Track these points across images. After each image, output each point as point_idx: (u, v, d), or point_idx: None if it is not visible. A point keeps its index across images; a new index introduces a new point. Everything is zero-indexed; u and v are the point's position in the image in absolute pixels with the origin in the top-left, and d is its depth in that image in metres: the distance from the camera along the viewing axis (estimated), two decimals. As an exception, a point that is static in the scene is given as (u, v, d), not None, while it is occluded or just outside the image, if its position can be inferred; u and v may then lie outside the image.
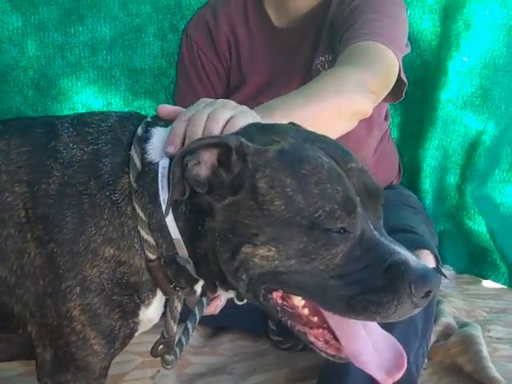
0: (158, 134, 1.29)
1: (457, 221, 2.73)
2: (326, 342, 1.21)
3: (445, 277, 1.97)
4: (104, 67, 2.51)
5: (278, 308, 1.21)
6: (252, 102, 2.12)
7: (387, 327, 1.23)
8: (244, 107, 1.31)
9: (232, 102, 1.32)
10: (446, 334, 2.20)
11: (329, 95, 1.55)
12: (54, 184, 1.27)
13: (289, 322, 1.22)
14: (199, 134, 1.23)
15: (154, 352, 1.44)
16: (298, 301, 1.20)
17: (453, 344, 2.14)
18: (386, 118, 2.36)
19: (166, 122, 1.32)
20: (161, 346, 1.44)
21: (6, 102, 2.46)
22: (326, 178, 1.13)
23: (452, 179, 2.72)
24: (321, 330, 1.21)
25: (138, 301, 1.30)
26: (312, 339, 1.21)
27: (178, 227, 1.24)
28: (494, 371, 1.99)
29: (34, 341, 1.33)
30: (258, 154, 1.16)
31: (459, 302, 2.51)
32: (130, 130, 1.32)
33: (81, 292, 1.26)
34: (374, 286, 1.11)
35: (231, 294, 1.29)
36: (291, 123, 1.31)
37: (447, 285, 2.58)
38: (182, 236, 1.24)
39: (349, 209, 1.12)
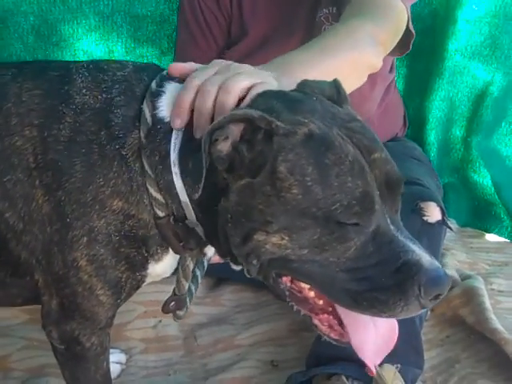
0: (171, 90, 1.24)
1: (461, 174, 2.70)
2: (330, 326, 1.20)
3: (451, 229, 1.95)
4: (105, 13, 2.43)
5: (287, 292, 1.20)
6: (254, 54, 2.09)
7: None
8: (263, 74, 1.25)
9: (248, 68, 1.25)
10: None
11: (344, 50, 1.50)
12: (65, 130, 1.24)
13: (295, 307, 1.21)
14: (209, 107, 1.17)
15: (165, 309, 1.43)
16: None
17: (455, 296, 2.15)
18: (391, 71, 2.32)
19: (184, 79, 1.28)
20: (172, 303, 1.43)
21: (6, 50, 2.39)
22: (348, 170, 1.09)
23: (458, 131, 2.68)
24: (326, 316, 1.20)
25: (146, 254, 1.29)
26: (316, 322, 1.20)
27: (186, 193, 1.21)
28: (496, 323, 2.00)
29: (41, 288, 1.32)
30: (286, 136, 1.11)
31: (462, 255, 2.51)
32: (145, 82, 1.28)
33: (87, 242, 1.24)
34: (383, 284, 1.08)
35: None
36: (317, 98, 1.22)
37: (450, 238, 2.57)
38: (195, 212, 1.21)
39: (366, 206, 1.08)
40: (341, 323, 1.18)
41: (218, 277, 2.29)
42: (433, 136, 2.66)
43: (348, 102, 1.28)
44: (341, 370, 1.66)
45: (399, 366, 1.68)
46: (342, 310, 1.17)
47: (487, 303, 2.07)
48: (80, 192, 1.22)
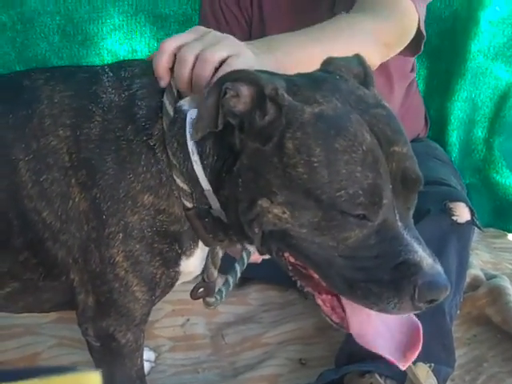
0: None
1: (483, 174, 2.69)
2: (333, 308, 1.19)
3: (480, 229, 1.96)
4: (129, 13, 2.46)
5: (290, 267, 1.19)
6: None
7: None
8: (241, 47, 1.25)
9: (230, 38, 1.26)
10: (474, 285, 2.21)
11: (338, 40, 1.47)
12: (96, 129, 1.26)
13: (298, 282, 1.20)
14: (185, 76, 1.20)
15: (193, 294, 1.44)
16: None
17: (481, 295, 2.15)
18: (412, 70, 2.32)
19: None
20: (201, 289, 1.44)
21: (32, 50, 2.41)
22: (359, 159, 1.06)
23: (480, 132, 2.68)
24: (329, 297, 1.18)
25: (179, 251, 1.29)
26: (319, 302, 1.20)
27: (206, 178, 1.22)
28: (523, 321, 2.00)
29: (76, 288, 1.33)
30: (293, 111, 1.11)
31: (485, 255, 2.51)
32: None
33: (123, 239, 1.25)
34: (379, 277, 1.07)
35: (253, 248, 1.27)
36: (342, 77, 1.21)
37: (473, 238, 2.57)
38: (211, 186, 1.22)
39: (373, 199, 1.06)
40: (343, 307, 1.17)
41: (244, 276, 2.29)
42: (454, 137, 2.65)
43: (374, 84, 1.26)
44: (374, 367, 1.65)
45: (432, 365, 1.68)
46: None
47: (514, 302, 2.07)
48: (113, 188, 1.23)
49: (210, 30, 1.28)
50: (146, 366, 1.89)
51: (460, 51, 2.60)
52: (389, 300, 1.07)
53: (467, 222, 1.87)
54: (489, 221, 2.71)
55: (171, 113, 1.24)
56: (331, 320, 1.20)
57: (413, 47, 1.79)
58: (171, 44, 1.23)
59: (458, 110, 2.64)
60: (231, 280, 1.50)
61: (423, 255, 1.07)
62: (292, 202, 1.09)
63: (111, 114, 1.26)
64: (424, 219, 1.78)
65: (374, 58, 1.55)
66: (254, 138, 1.13)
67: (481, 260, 2.43)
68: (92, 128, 1.26)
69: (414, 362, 1.22)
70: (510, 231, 2.73)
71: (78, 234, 1.27)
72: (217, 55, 1.20)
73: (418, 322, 1.18)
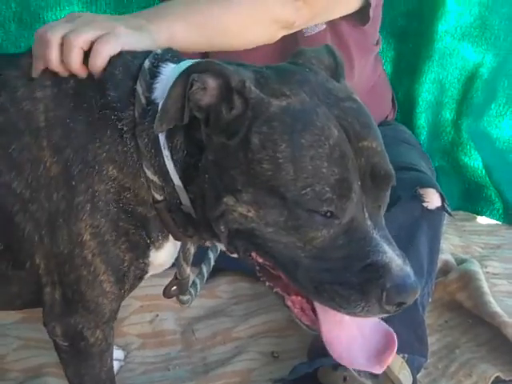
0: (168, 71, 1.22)
1: (452, 157, 2.69)
2: (303, 310, 1.16)
3: (450, 215, 1.95)
4: (89, -3, 2.38)
5: (258, 267, 1.17)
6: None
7: None
8: (112, 25, 1.26)
9: (100, 18, 1.28)
10: (445, 270, 2.20)
11: (237, 2, 1.46)
12: (73, 84, 1.24)
13: (267, 283, 1.18)
14: (53, 59, 1.21)
15: (166, 293, 1.42)
16: None
17: (452, 280, 2.15)
18: (377, 43, 2.25)
19: (178, 56, 1.26)
20: (174, 288, 1.42)
21: (-13, 38, 2.33)
22: (325, 154, 1.04)
23: (448, 114, 2.67)
24: (299, 298, 1.16)
25: (147, 240, 1.26)
26: (289, 303, 1.17)
27: (177, 173, 1.19)
28: (495, 306, 2.00)
29: (43, 277, 1.28)
30: (259, 104, 1.08)
31: (455, 238, 2.51)
32: (140, 60, 1.26)
33: (91, 210, 1.21)
34: (346, 279, 1.05)
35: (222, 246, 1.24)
36: (312, 70, 1.19)
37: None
38: (181, 181, 1.19)
39: (341, 193, 1.04)
40: (314, 309, 1.15)
41: (214, 267, 2.25)
42: (423, 119, 2.64)
43: (344, 75, 1.23)
44: (347, 361, 1.63)
45: (406, 355, 1.67)
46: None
47: (485, 287, 2.07)
48: (84, 150, 1.20)
49: (84, 13, 1.30)
50: (116, 365, 1.84)
51: (427, 32, 2.58)
52: (356, 303, 1.05)
53: (438, 208, 1.86)
54: (458, 204, 2.71)
55: (144, 102, 1.20)
56: (301, 322, 1.18)
57: (360, 17, 1.80)
58: (40, 31, 1.25)
59: (425, 92, 2.62)
60: (198, 281, 1.47)
61: (392, 256, 1.05)
62: (257, 200, 1.07)
63: (88, 79, 1.25)
64: (395, 206, 1.76)
65: (285, 13, 1.54)
66: (220, 132, 1.10)
67: (451, 244, 2.42)
68: (69, 83, 1.24)
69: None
70: (479, 214, 2.73)
71: (47, 204, 1.22)
72: (82, 37, 1.22)
73: (388, 326, 1.17)
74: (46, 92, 1.24)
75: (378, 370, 1.15)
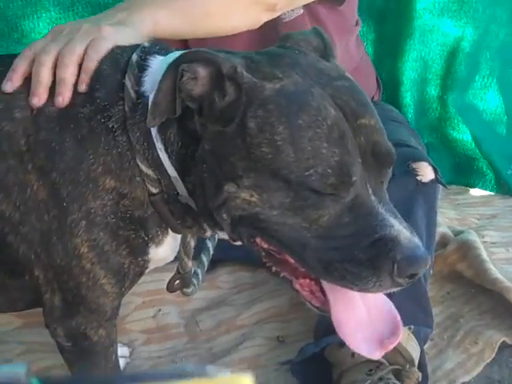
0: (156, 64, 1.21)
1: (440, 132, 2.69)
2: (312, 292, 1.15)
3: (445, 186, 1.95)
4: (66, 4, 2.35)
5: (263, 253, 1.15)
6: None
7: None
8: (97, 30, 1.26)
9: (84, 27, 1.26)
10: (443, 243, 2.20)
11: None
12: (55, 107, 1.20)
13: (273, 268, 1.17)
14: (45, 77, 1.19)
15: (170, 287, 1.41)
16: None
17: (451, 252, 2.15)
18: (356, 24, 2.25)
19: (166, 48, 1.25)
20: (177, 282, 1.41)
21: (-34, 49, 2.32)
22: (324, 135, 1.03)
23: (433, 90, 2.67)
24: (307, 281, 1.15)
25: (145, 238, 1.24)
26: (297, 287, 1.16)
27: (172, 165, 1.18)
28: (495, 272, 2.01)
29: (42, 286, 1.27)
30: (253, 88, 1.07)
31: (450, 212, 2.52)
32: (128, 53, 1.25)
33: (86, 226, 1.19)
34: (355, 256, 1.04)
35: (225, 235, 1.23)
36: (301, 52, 1.18)
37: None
38: (177, 173, 1.18)
39: (342, 178, 1.03)
40: (323, 290, 1.14)
41: (213, 259, 2.25)
42: (408, 97, 2.64)
43: (335, 55, 1.23)
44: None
45: (412, 327, 1.67)
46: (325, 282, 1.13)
47: (484, 255, 2.07)
48: (73, 171, 1.17)
49: (66, 26, 1.28)
50: (121, 363, 1.84)
51: (406, 10, 2.58)
52: (368, 279, 1.04)
53: (431, 180, 1.86)
54: (450, 178, 2.71)
55: (133, 96, 1.19)
56: (311, 305, 1.16)
57: None
58: (29, 51, 1.23)
59: (409, 70, 2.62)
60: (199, 271, 1.47)
61: (400, 229, 1.04)
62: (259, 184, 1.06)
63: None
64: (389, 183, 1.76)
65: None
66: (215, 120, 1.09)
67: (446, 217, 2.43)
68: (51, 106, 1.20)
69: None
70: (471, 186, 2.74)
71: (39, 225, 1.20)
72: (76, 53, 1.21)
73: (397, 314, 1.16)
74: (26, 113, 1.20)
75: (377, 356, 1.14)
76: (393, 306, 1.17)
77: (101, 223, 1.19)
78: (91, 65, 1.22)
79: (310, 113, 1.04)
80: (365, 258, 1.04)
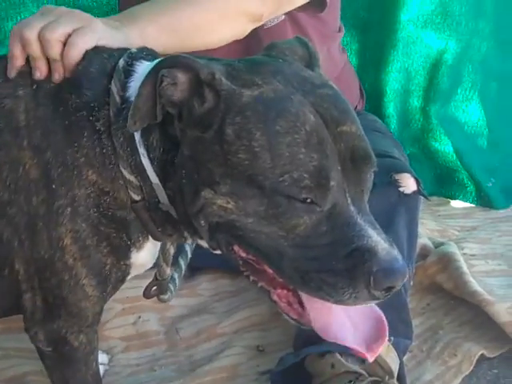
0: (142, 69, 1.20)
1: (423, 143, 2.72)
2: (289, 304, 1.14)
3: (427, 198, 1.96)
4: (49, 6, 2.36)
5: (241, 262, 1.14)
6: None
7: None
8: (89, 19, 1.25)
9: (76, 12, 1.26)
10: (423, 254, 2.22)
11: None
12: (52, 85, 1.23)
13: (251, 278, 1.15)
14: (36, 56, 1.21)
15: (146, 294, 1.40)
16: None
17: (431, 263, 2.17)
18: (339, 30, 2.25)
19: (152, 54, 1.25)
20: (154, 288, 1.40)
21: None
22: (302, 140, 1.03)
23: (416, 102, 2.70)
24: (285, 292, 1.13)
25: (128, 242, 1.24)
26: (275, 298, 1.14)
27: (154, 171, 1.18)
28: (475, 285, 2.02)
29: (22, 283, 1.25)
30: (231, 95, 1.07)
31: (431, 223, 2.54)
32: (115, 58, 1.25)
33: (71, 215, 1.18)
34: (332, 267, 1.03)
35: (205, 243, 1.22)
36: (286, 60, 1.18)
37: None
38: (159, 179, 1.18)
39: (319, 181, 1.02)
40: (301, 302, 1.12)
41: (192, 266, 2.24)
42: (391, 108, 2.67)
43: (319, 64, 1.23)
44: (334, 347, 1.63)
45: (392, 338, 1.67)
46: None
47: (464, 267, 2.09)
48: (63, 153, 1.18)
49: (58, 7, 1.28)
50: (100, 370, 1.83)
51: (390, 22, 2.61)
52: (344, 290, 1.02)
53: (414, 192, 1.87)
54: (431, 189, 2.74)
55: (119, 101, 1.18)
56: (289, 317, 1.15)
57: (318, 3, 1.81)
58: (17, 30, 1.24)
59: (392, 81, 2.65)
60: (176, 275, 1.46)
61: (378, 240, 1.03)
62: (236, 191, 1.05)
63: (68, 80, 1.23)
64: (371, 193, 1.76)
65: (252, 5, 1.54)
66: (194, 126, 1.09)
67: (427, 229, 2.44)
68: (49, 84, 1.22)
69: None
70: (452, 198, 2.77)
71: (26, 208, 1.19)
72: (59, 32, 1.21)
73: (381, 312, 1.15)
74: (28, 90, 1.22)
75: (370, 359, 1.13)
76: (375, 307, 1.16)
77: (83, 214, 1.19)
78: (74, 53, 1.22)
79: (288, 119, 1.04)
80: (341, 268, 1.02)
